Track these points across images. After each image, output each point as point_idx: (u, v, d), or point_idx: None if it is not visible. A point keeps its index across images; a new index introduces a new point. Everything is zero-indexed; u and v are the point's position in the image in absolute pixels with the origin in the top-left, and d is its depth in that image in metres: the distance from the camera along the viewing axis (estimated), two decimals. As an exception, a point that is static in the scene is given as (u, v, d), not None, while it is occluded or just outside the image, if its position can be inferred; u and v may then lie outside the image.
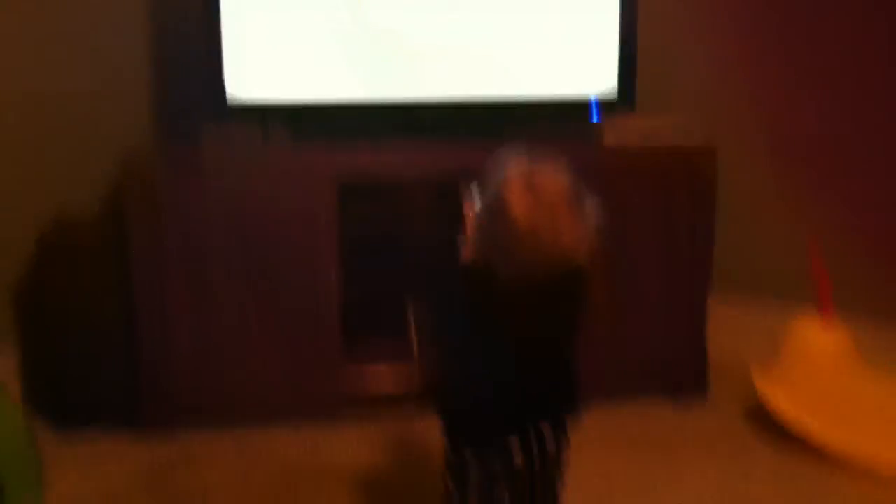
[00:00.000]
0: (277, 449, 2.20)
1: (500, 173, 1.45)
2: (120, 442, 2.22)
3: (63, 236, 2.28)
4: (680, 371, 2.46)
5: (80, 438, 2.23)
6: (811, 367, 2.20)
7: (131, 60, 2.51)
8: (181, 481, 2.05)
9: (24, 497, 1.92)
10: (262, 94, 2.29)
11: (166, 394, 2.23)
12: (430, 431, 1.75)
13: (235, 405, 2.26)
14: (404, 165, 2.25)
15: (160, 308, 2.19)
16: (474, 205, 1.49)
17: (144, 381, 2.22)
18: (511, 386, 1.51)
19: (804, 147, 2.63)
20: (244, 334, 2.23)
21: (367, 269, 2.35)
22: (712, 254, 2.41)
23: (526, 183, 1.41)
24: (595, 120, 2.48)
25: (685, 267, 2.41)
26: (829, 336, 2.23)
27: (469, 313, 1.55)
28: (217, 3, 2.23)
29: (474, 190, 1.49)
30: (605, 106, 2.47)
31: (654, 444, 2.24)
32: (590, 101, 2.46)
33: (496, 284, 1.46)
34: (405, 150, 2.27)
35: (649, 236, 2.38)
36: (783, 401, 2.22)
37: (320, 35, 2.29)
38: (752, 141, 2.68)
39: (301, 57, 2.29)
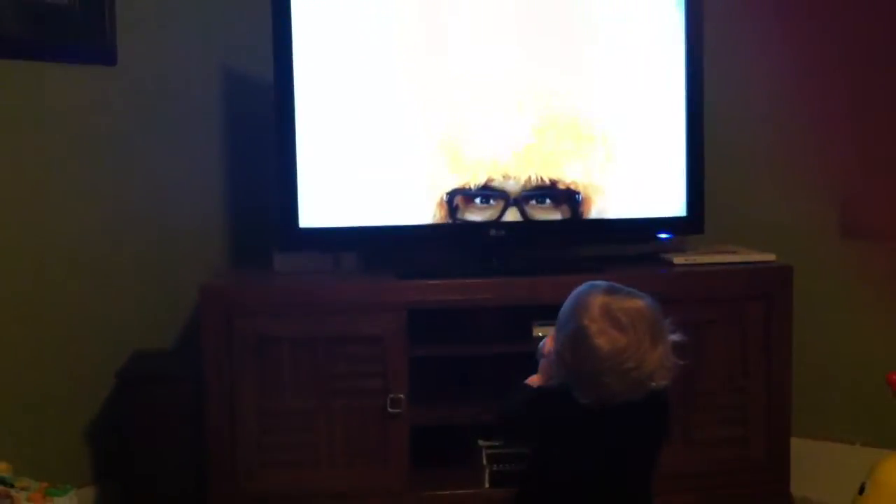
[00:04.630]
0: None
1: (578, 302, 1.48)
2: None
3: (142, 368, 2.32)
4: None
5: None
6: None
7: (208, 195, 2.61)
8: None
9: None
10: (333, 221, 2.33)
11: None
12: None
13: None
14: (473, 293, 2.25)
15: (230, 435, 2.20)
16: (553, 334, 1.52)
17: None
18: None
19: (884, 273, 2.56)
20: (314, 458, 2.23)
21: (436, 392, 2.34)
22: (791, 378, 2.35)
23: (606, 308, 1.43)
24: (665, 238, 2.49)
25: (762, 393, 2.34)
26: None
27: (538, 441, 1.54)
28: (293, 139, 2.30)
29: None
30: (674, 229, 2.46)
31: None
32: (659, 222, 2.45)
33: (574, 408, 1.47)
34: (474, 278, 2.28)
35: (722, 361, 2.33)
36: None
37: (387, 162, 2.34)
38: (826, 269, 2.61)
39: (371, 184, 2.33)
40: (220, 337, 2.19)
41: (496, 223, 2.36)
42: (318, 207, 2.32)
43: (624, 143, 2.39)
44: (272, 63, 2.28)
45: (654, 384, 1.44)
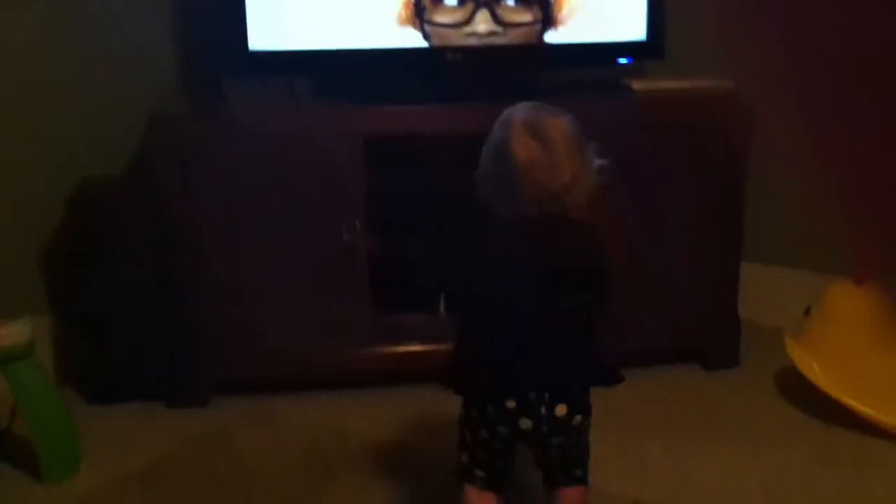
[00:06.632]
0: (310, 419, 2.21)
1: (503, 118, 1.53)
2: (154, 416, 2.23)
3: (92, 196, 2.28)
4: (711, 337, 2.43)
5: (114, 412, 2.24)
6: (846, 333, 2.17)
7: (154, 16, 2.49)
8: (216, 455, 2.05)
9: (59, 467, 1.96)
10: (285, 45, 2.25)
11: (198, 363, 2.24)
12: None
13: (267, 367, 2.27)
14: (430, 121, 2.22)
15: (187, 267, 2.19)
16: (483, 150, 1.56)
17: (178, 347, 2.24)
18: (520, 343, 1.51)
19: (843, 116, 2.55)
20: (274, 287, 2.24)
21: (394, 222, 2.34)
22: (744, 205, 2.37)
23: (528, 126, 1.48)
24: (625, 64, 2.45)
25: (716, 223, 2.37)
26: (865, 302, 2.19)
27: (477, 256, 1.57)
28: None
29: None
30: (634, 53, 2.42)
31: (686, 414, 2.22)
32: (619, 46, 2.41)
33: (498, 221, 1.52)
34: (431, 106, 2.23)
35: (678, 188, 2.35)
36: (817, 367, 2.19)
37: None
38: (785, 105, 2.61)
39: (324, 5, 2.25)
40: (171, 167, 2.14)
41: (452, 48, 2.29)
42: (268, 29, 2.23)
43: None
44: None
45: (570, 198, 1.48)
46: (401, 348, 2.30)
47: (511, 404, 1.49)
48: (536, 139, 1.46)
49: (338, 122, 2.20)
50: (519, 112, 1.51)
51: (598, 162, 1.51)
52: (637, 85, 2.39)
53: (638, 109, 2.33)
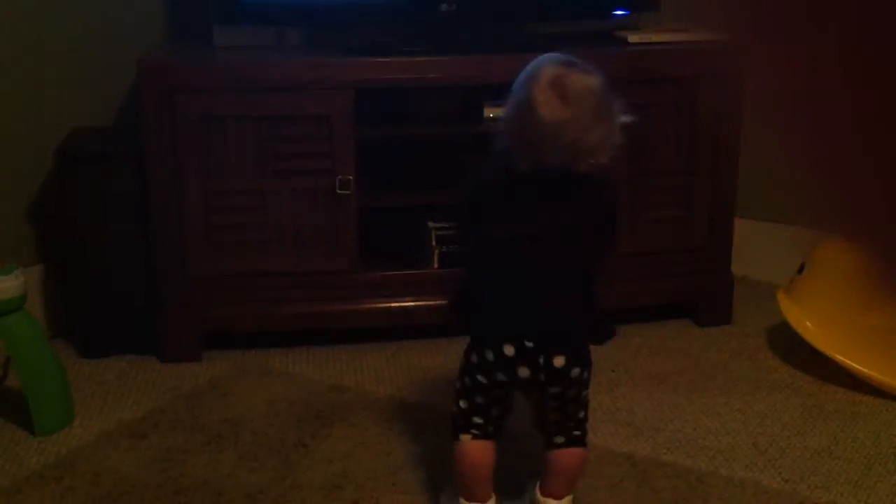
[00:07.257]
0: (303, 373, 2.21)
1: (531, 72, 1.48)
2: (147, 369, 2.22)
3: (82, 146, 2.25)
4: (704, 293, 2.43)
5: (106, 366, 2.23)
6: (838, 290, 2.17)
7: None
8: (208, 408, 2.05)
9: (52, 420, 1.95)
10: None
11: (187, 316, 2.23)
12: (450, 347, 1.77)
13: (258, 322, 2.26)
14: (423, 73, 2.19)
15: (176, 216, 2.17)
16: (507, 100, 1.51)
17: (165, 300, 2.22)
18: (521, 294, 1.51)
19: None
20: (264, 241, 2.22)
21: (384, 175, 2.33)
22: (738, 160, 2.36)
23: (555, 80, 1.44)
24: (620, 15, 2.43)
25: (710, 178, 2.35)
26: (857, 259, 2.18)
27: (483, 215, 1.57)
28: None
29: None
30: (630, 5, 2.39)
31: (679, 370, 2.22)
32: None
33: (517, 175, 1.49)
34: (424, 56, 2.20)
35: (672, 142, 2.33)
36: (810, 324, 2.19)
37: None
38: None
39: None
40: (162, 116, 2.12)
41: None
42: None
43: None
44: None
45: (592, 160, 1.46)
46: (393, 303, 2.29)
47: (509, 351, 1.49)
48: (563, 101, 1.42)
49: (329, 73, 2.17)
50: (547, 68, 1.46)
51: (623, 119, 1.48)
52: (633, 37, 2.37)
53: (632, 62, 2.31)
